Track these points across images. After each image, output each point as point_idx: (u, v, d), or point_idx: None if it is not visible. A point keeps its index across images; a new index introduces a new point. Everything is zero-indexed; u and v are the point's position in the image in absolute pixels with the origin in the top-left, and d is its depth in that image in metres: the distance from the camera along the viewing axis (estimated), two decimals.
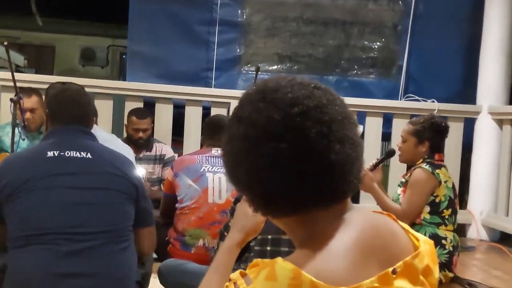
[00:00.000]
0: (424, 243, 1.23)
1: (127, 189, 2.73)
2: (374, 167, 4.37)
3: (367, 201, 5.13)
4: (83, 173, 2.64)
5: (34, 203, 2.55)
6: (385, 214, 1.27)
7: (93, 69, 12.79)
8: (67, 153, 2.65)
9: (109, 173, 2.69)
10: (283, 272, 1.03)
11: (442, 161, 4.30)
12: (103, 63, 12.86)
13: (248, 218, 1.58)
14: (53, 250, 2.50)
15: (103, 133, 3.89)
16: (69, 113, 2.78)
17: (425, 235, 4.05)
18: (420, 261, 1.17)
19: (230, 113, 1.31)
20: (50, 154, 2.64)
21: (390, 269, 1.10)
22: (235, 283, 1.10)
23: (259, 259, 1.10)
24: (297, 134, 1.10)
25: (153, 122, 5.40)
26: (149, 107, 5.98)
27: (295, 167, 1.10)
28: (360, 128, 4.65)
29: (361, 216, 1.18)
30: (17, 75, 6.42)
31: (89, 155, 2.68)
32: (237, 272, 1.12)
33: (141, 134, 5.10)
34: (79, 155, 2.67)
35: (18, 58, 11.48)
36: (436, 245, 4.11)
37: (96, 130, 3.79)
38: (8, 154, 4.27)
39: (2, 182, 2.60)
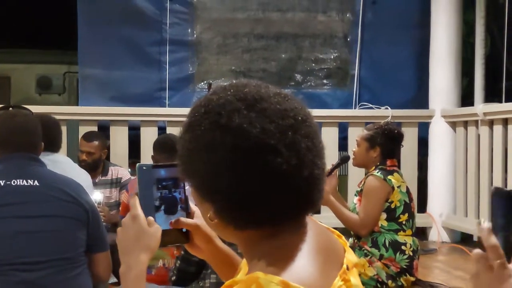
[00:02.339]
0: (342, 237, 1.27)
1: (78, 214, 2.69)
2: (329, 173, 4.40)
3: (326, 212, 5.14)
4: (30, 202, 2.60)
5: None
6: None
7: (50, 97, 12.66)
8: (13, 182, 2.61)
9: (58, 199, 2.65)
10: (271, 286, 1.02)
11: (395, 166, 4.34)
12: (60, 90, 12.73)
13: (148, 236, 1.32)
14: (5, 281, 2.45)
15: (61, 158, 3.84)
16: (15, 140, 2.74)
17: (384, 242, 4.10)
18: (351, 254, 1.22)
19: None
20: None
21: (345, 266, 1.14)
22: None
23: (235, 279, 1.06)
24: (290, 148, 1.09)
25: (105, 147, 5.30)
26: (104, 130, 5.93)
27: (286, 181, 1.09)
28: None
29: (313, 222, 1.19)
30: None
31: (36, 183, 2.64)
32: None
33: (84, 157, 4.98)
34: (26, 183, 2.62)
35: None
36: (396, 251, 4.14)
37: (54, 156, 3.75)
38: None
39: None
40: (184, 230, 1.40)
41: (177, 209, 1.38)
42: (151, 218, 1.32)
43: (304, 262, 1.08)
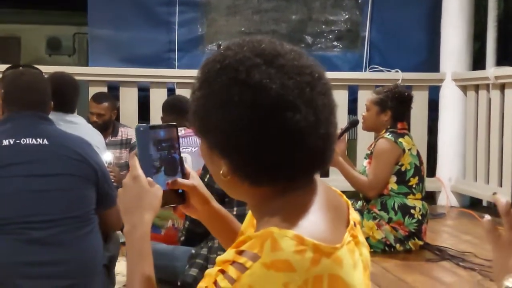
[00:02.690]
0: (344, 195, 1.28)
1: (86, 173, 2.69)
2: (338, 137, 4.39)
3: (335, 174, 5.15)
4: (39, 161, 2.60)
5: None
6: None
7: (60, 58, 12.65)
8: (23, 141, 2.61)
9: (67, 158, 2.65)
10: (285, 240, 1.03)
11: (406, 129, 4.33)
12: (70, 51, 12.72)
13: (150, 195, 1.31)
14: (14, 239, 2.47)
15: (74, 119, 3.85)
16: (25, 99, 2.73)
17: (393, 206, 4.12)
18: (354, 212, 1.23)
19: None
20: (5, 142, 2.59)
21: (352, 222, 1.17)
22: (236, 263, 1.04)
23: (249, 235, 1.06)
24: (308, 105, 1.09)
25: (115, 108, 5.31)
26: (113, 91, 5.93)
27: (304, 138, 1.09)
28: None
29: (318, 179, 1.20)
30: None
31: (45, 141, 2.64)
32: (232, 252, 1.06)
33: (95, 119, 4.99)
34: (35, 142, 2.62)
35: None
36: (405, 215, 4.16)
37: (68, 116, 3.76)
38: None
39: None
40: (180, 191, 1.39)
41: (177, 170, 1.37)
42: (150, 179, 1.32)
43: (316, 218, 1.10)
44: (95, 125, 4.86)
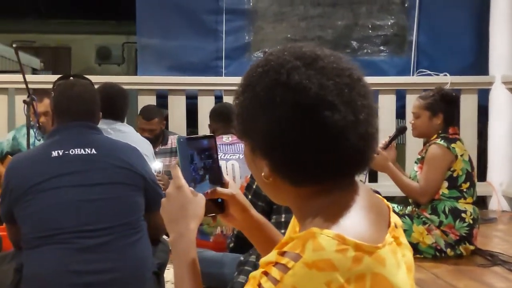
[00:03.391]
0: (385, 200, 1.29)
1: (134, 180, 2.74)
2: (387, 145, 4.37)
3: (385, 180, 5.11)
4: (88, 170, 2.65)
5: (44, 205, 2.56)
6: None
7: (110, 67, 12.86)
8: (72, 151, 2.66)
9: (115, 166, 2.70)
10: (327, 240, 1.04)
11: (457, 134, 4.28)
12: (119, 60, 12.92)
13: (194, 204, 1.33)
14: (67, 248, 2.52)
15: (124, 128, 3.92)
16: (74, 110, 2.78)
17: (444, 209, 4.07)
18: (395, 216, 1.23)
19: None
20: (54, 154, 2.65)
21: (393, 223, 1.17)
22: (280, 264, 1.06)
23: (291, 236, 1.09)
24: (347, 105, 1.11)
25: (163, 119, 5.36)
26: (162, 99, 6.00)
27: (345, 137, 1.11)
28: None
29: (359, 183, 1.21)
30: (32, 77, 6.52)
31: (93, 151, 2.69)
32: (274, 253, 1.08)
33: (147, 134, 5.01)
34: (83, 152, 2.67)
35: (34, 61, 11.58)
36: (455, 219, 4.11)
37: (117, 124, 3.83)
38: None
39: (9, 186, 2.63)
40: (219, 200, 1.41)
41: (216, 179, 1.40)
42: (191, 189, 1.34)
43: (358, 217, 1.12)
44: (152, 140, 4.91)
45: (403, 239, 1.20)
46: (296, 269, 1.03)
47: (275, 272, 1.05)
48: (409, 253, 1.21)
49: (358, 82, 1.15)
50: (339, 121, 1.10)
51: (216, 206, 1.42)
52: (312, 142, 1.11)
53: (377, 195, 1.28)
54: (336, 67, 1.14)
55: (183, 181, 1.33)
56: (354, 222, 1.10)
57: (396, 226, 1.18)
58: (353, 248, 1.04)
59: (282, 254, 1.06)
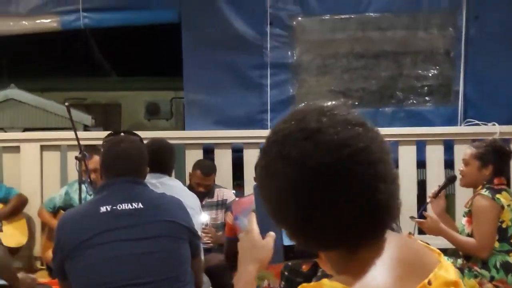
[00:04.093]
0: (442, 255, 1.28)
1: (180, 233, 2.78)
2: (437, 194, 4.34)
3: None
4: (136, 225, 2.71)
5: (93, 260, 2.62)
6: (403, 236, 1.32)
7: (159, 122, 13.02)
8: (119, 207, 2.73)
9: (161, 220, 2.75)
10: None
11: (504, 185, 4.21)
12: (168, 115, 13.08)
13: (257, 249, 1.47)
14: None
15: (171, 182, 3.99)
16: (121, 166, 2.86)
17: (495, 263, 3.99)
18: (445, 272, 1.21)
19: None
20: (103, 209, 2.72)
21: (426, 280, 1.15)
22: None
23: (305, 284, 1.11)
24: (349, 178, 1.13)
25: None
26: (208, 153, 6.08)
27: (347, 209, 1.13)
28: None
29: (395, 236, 1.22)
30: (83, 134, 6.69)
31: (140, 205, 2.75)
32: None
33: (202, 189, 5.14)
34: (130, 207, 2.74)
35: (86, 118, 11.84)
36: (507, 272, 4.02)
37: (165, 178, 3.91)
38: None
39: (60, 242, 2.70)
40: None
41: None
42: (272, 232, 1.40)
43: (375, 273, 1.11)
44: (200, 194, 4.97)
45: None
46: None
47: None
48: None
49: (362, 152, 1.14)
50: (338, 194, 1.12)
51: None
52: (313, 214, 1.14)
53: (426, 247, 1.27)
54: (339, 138, 1.14)
55: (253, 226, 1.43)
56: (368, 277, 1.10)
57: (429, 283, 1.16)
58: None
59: None
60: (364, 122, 1.19)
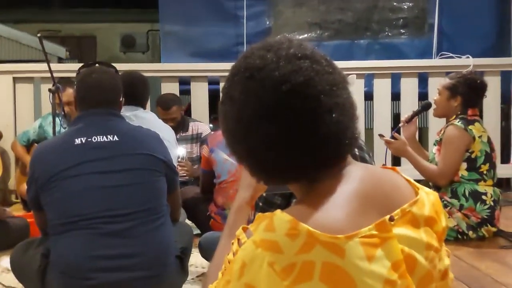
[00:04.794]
0: (427, 193, 1.25)
1: (156, 165, 2.78)
2: (410, 119, 4.41)
3: (407, 164, 5.10)
4: (111, 157, 2.69)
5: (68, 192, 2.61)
6: (388, 168, 1.30)
7: (135, 55, 12.89)
8: (94, 139, 2.70)
9: (137, 153, 2.74)
10: (280, 223, 1.06)
11: (477, 115, 4.26)
12: (144, 48, 12.95)
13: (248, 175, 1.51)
14: (92, 234, 2.57)
15: (146, 115, 3.97)
16: (95, 97, 2.81)
17: (464, 192, 4.07)
18: (419, 209, 1.19)
19: None
20: (77, 141, 2.69)
21: (387, 216, 1.12)
22: (238, 239, 1.15)
23: (260, 214, 1.11)
24: (287, 114, 1.12)
25: (181, 105, 5.34)
26: (184, 85, 6.05)
27: (289, 145, 1.14)
28: (353, 80, 4.62)
29: (361, 169, 1.21)
30: (57, 66, 6.61)
31: (115, 138, 2.72)
32: (240, 228, 1.17)
33: (169, 123, 4.93)
34: (106, 139, 2.71)
35: (60, 50, 11.69)
36: (476, 201, 4.11)
37: (139, 111, 3.89)
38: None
39: (35, 174, 2.69)
40: None
41: None
42: None
43: (328, 206, 1.10)
44: (172, 128, 4.93)
45: (411, 231, 1.15)
46: (246, 245, 1.09)
47: (235, 245, 1.15)
48: (416, 248, 1.14)
49: (302, 85, 1.13)
50: (277, 131, 1.13)
51: None
52: (260, 152, 1.16)
53: (401, 183, 1.25)
54: (279, 74, 1.13)
55: None
56: (319, 210, 1.09)
57: (391, 219, 1.12)
58: (305, 235, 1.04)
59: (245, 230, 1.15)
60: (310, 55, 1.17)
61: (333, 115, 1.14)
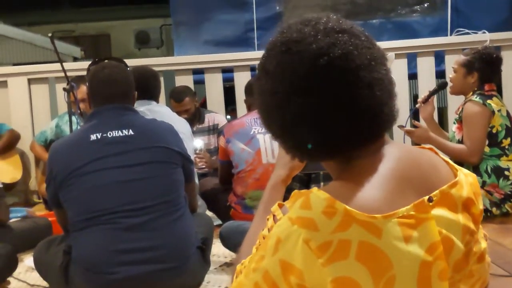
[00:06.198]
0: (466, 175, 1.22)
1: (172, 158, 2.78)
2: (427, 99, 4.37)
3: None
4: (128, 151, 2.70)
5: (86, 188, 2.63)
6: (426, 147, 1.27)
7: (149, 51, 12.94)
8: (109, 134, 2.71)
9: (153, 146, 2.74)
10: (317, 200, 1.05)
11: (494, 91, 4.21)
12: (158, 43, 12.98)
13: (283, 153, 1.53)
14: (112, 228, 2.59)
15: (160, 108, 3.96)
16: (108, 92, 2.82)
17: (486, 168, 4.02)
18: (458, 191, 1.16)
19: None
20: (93, 137, 2.70)
21: (426, 197, 1.10)
22: (274, 216, 1.13)
23: (297, 190, 1.10)
24: (324, 87, 1.10)
25: (195, 97, 5.31)
26: (199, 75, 6.03)
27: (325, 119, 1.12)
28: (392, 58, 4.56)
29: (398, 149, 1.19)
30: (71, 65, 6.63)
31: (131, 132, 2.73)
32: (276, 204, 1.15)
33: (183, 115, 4.95)
34: (121, 134, 2.72)
35: (75, 50, 11.76)
36: (499, 177, 4.06)
37: (152, 105, 3.88)
38: None
39: (53, 172, 2.70)
40: None
41: None
42: None
43: (366, 184, 1.09)
44: (188, 120, 4.90)
45: (449, 213, 1.13)
46: (282, 221, 1.08)
47: (270, 221, 1.13)
48: (453, 231, 1.12)
49: (340, 58, 1.11)
50: (313, 105, 1.11)
51: None
52: (297, 127, 1.15)
53: (440, 165, 1.22)
54: (316, 47, 1.12)
55: None
56: (358, 189, 1.08)
57: (430, 200, 1.11)
58: (342, 213, 1.03)
59: (281, 206, 1.13)
60: (349, 29, 1.15)
61: (372, 90, 1.12)
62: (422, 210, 1.08)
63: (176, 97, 5.16)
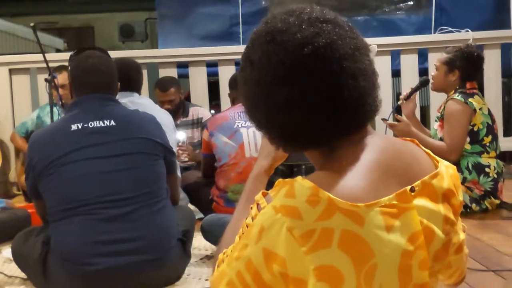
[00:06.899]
0: (447, 167, 1.23)
1: (154, 149, 2.76)
2: (408, 96, 4.39)
3: None
4: (109, 142, 2.67)
5: (67, 178, 2.60)
6: (408, 139, 1.28)
7: (134, 44, 12.85)
8: (91, 124, 2.68)
9: (134, 137, 2.72)
10: (301, 189, 1.05)
11: (475, 88, 4.23)
12: (142, 37, 12.88)
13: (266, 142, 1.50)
14: (91, 219, 2.56)
15: (142, 100, 3.93)
16: (90, 82, 2.79)
17: (467, 165, 4.05)
18: (439, 181, 1.17)
19: None
20: (74, 127, 2.67)
21: (408, 187, 1.12)
22: (258, 204, 1.13)
23: (281, 179, 1.11)
24: (308, 77, 1.11)
25: (180, 89, 5.28)
26: (183, 69, 6.00)
27: (310, 109, 1.12)
28: (374, 49, 4.56)
29: (382, 140, 1.19)
30: (53, 55, 6.58)
31: (112, 122, 2.71)
32: (260, 193, 1.14)
33: (167, 106, 4.92)
34: (102, 124, 2.69)
35: (58, 42, 11.67)
36: (479, 174, 4.09)
37: (134, 97, 3.85)
38: None
39: (32, 162, 2.67)
40: None
41: None
42: None
43: (349, 174, 1.09)
44: (172, 112, 4.87)
45: (430, 203, 1.14)
46: (265, 210, 1.08)
47: (254, 210, 1.12)
48: (431, 221, 1.13)
49: (324, 48, 1.11)
50: (297, 94, 1.11)
51: None
52: (280, 117, 1.15)
53: (422, 156, 1.23)
54: (300, 37, 1.12)
55: None
56: (341, 178, 1.08)
57: (412, 190, 1.12)
58: (325, 202, 1.04)
59: (265, 195, 1.13)
60: (333, 19, 1.15)
61: (356, 80, 1.12)
62: (404, 200, 1.09)
63: (162, 87, 5.11)
